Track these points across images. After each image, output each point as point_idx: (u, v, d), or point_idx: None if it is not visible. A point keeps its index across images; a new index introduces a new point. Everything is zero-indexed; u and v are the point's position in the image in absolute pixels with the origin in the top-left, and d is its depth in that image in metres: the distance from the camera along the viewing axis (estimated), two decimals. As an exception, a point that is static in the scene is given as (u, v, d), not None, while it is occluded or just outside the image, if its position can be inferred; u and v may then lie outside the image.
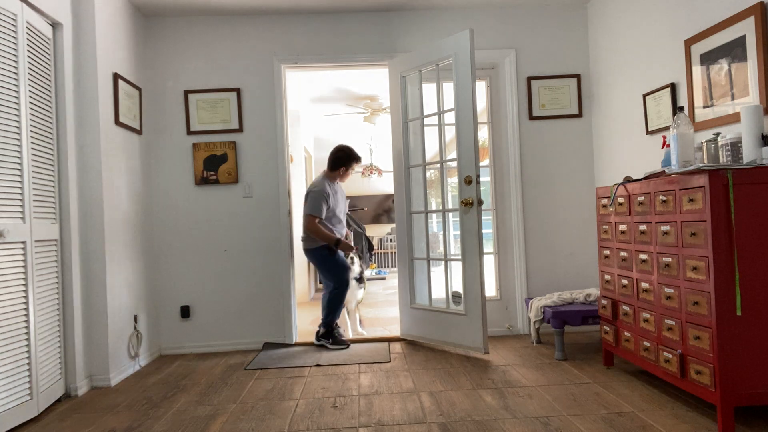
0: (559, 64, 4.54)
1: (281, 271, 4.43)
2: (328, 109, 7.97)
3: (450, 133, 4.62)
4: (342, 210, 4.54)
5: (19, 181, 2.88)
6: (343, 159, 4.41)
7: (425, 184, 4.39)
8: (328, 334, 4.33)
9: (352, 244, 4.79)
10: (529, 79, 4.50)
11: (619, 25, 4.07)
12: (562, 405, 2.82)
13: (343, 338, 4.35)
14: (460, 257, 3.92)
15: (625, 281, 3.10)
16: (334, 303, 4.34)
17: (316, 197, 4.26)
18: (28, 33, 3.00)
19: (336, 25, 4.48)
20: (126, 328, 3.78)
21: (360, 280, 4.82)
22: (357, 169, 4.57)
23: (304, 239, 4.38)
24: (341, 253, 4.40)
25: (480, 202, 3.80)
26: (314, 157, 10.01)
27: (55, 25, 3.33)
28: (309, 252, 4.40)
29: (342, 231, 4.49)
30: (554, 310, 3.70)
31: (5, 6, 2.81)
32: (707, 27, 3.12)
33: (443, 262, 4.14)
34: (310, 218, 4.25)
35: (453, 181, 4.15)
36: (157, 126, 4.41)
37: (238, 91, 4.41)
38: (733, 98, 2.94)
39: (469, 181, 3.80)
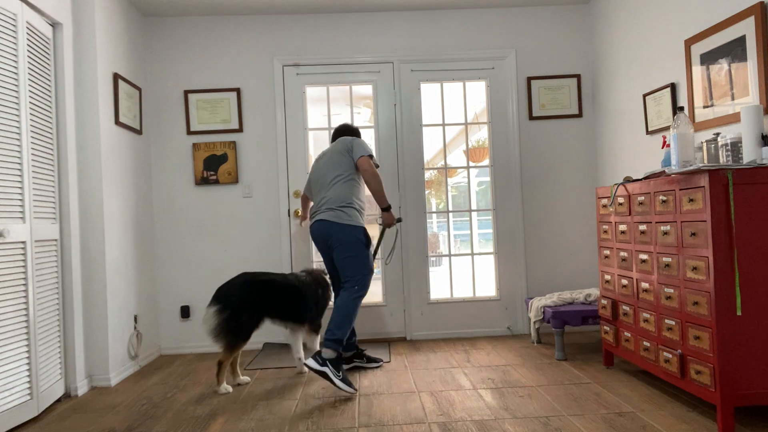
0: (559, 64, 4.54)
1: (281, 271, 4.43)
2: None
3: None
4: None
5: (19, 181, 2.88)
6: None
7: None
8: (338, 361, 3.10)
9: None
10: (529, 79, 4.50)
11: (619, 24, 4.07)
12: (562, 405, 2.82)
13: (378, 358, 3.61)
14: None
15: (625, 281, 3.10)
16: (355, 311, 3.23)
17: (364, 142, 3.42)
18: (28, 33, 3.00)
19: (336, 25, 4.48)
20: (126, 328, 3.78)
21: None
22: None
23: (343, 207, 3.30)
24: None
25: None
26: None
27: (55, 25, 3.33)
28: (346, 230, 3.27)
29: None
30: (554, 310, 3.70)
31: (5, 6, 2.81)
32: (707, 27, 3.11)
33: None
34: (370, 161, 3.33)
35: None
36: (157, 126, 4.41)
37: (238, 91, 4.41)
38: (733, 98, 2.94)
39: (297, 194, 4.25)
